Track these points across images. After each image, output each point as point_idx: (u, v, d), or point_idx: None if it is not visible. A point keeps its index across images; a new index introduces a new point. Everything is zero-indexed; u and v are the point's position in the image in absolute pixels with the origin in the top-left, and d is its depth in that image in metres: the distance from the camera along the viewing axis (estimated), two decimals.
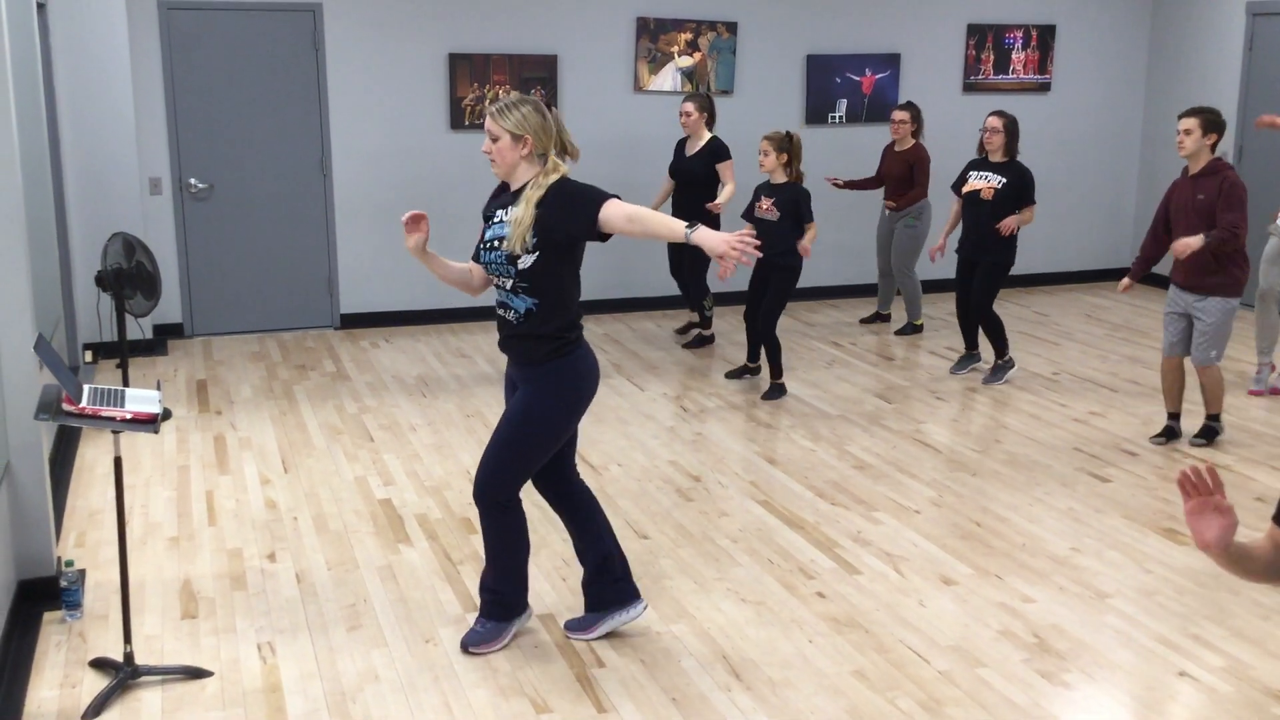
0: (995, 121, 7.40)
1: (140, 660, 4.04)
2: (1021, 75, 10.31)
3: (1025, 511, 5.50)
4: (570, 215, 3.89)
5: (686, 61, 9.42)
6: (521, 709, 3.83)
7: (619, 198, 3.90)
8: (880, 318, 9.22)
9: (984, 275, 7.47)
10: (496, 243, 3.99)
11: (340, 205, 8.89)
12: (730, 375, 7.68)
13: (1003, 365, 7.61)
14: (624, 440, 6.46)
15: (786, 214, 7.05)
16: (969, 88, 10.17)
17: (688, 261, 8.32)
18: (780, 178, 7.13)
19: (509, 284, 4.00)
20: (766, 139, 7.14)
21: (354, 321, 9.07)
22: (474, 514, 5.41)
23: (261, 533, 5.23)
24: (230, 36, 8.49)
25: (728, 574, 4.83)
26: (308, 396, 7.28)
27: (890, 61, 9.90)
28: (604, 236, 3.92)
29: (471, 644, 4.20)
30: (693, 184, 8.14)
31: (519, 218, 3.90)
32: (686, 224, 3.78)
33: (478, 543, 5.10)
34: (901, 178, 8.64)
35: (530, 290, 3.96)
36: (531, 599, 4.55)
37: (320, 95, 8.72)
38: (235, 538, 5.17)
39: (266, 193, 8.76)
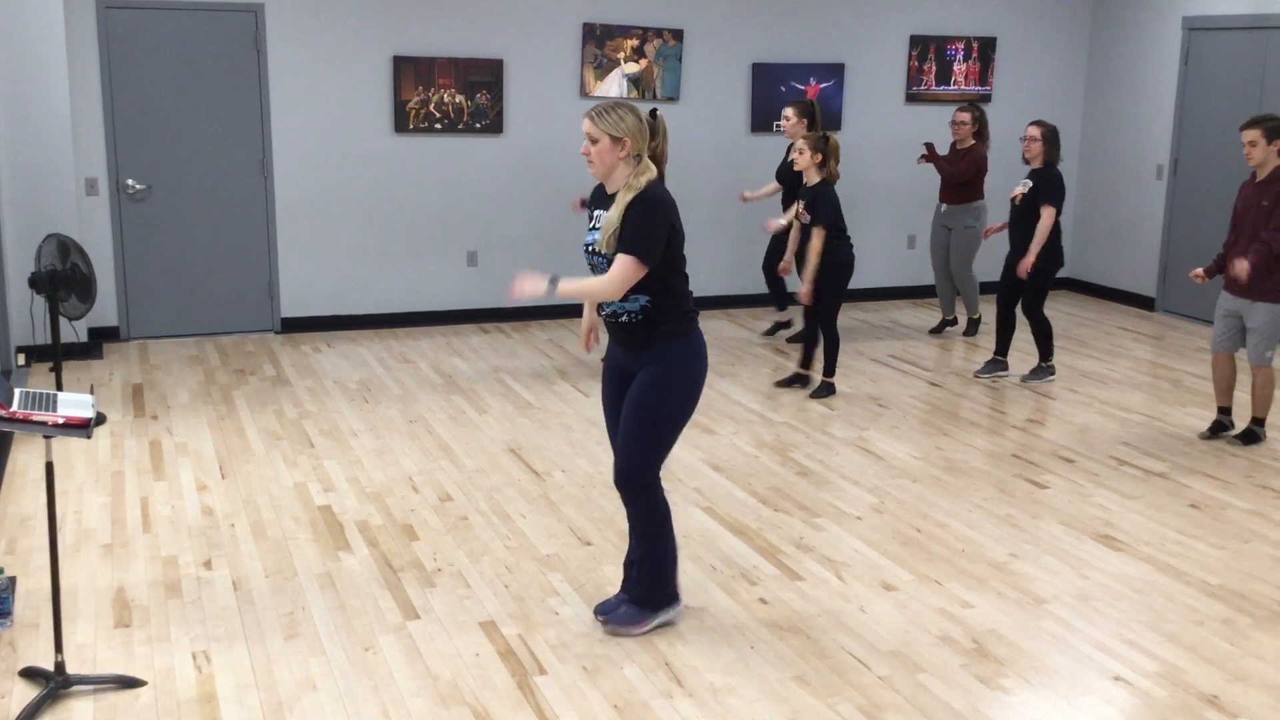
0: (1034, 130, 7.67)
1: (72, 670, 3.97)
2: (963, 86, 10.43)
3: (964, 518, 5.56)
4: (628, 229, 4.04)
5: (633, 68, 9.42)
6: (462, 717, 3.80)
7: (639, 260, 3.99)
8: (947, 324, 9.35)
9: (1031, 279, 7.72)
10: (594, 246, 4.15)
11: (281, 208, 8.80)
12: (780, 384, 7.70)
13: (1045, 368, 7.96)
14: (568, 447, 6.44)
15: (815, 215, 7.15)
16: (911, 98, 10.27)
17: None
18: (813, 177, 7.19)
19: None
20: (804, 137, 7.22)
21: (295, 325, 8.98)
22: (416, 521, 5.37)
23: (198, 540, 5.15)
24: (170, 36, 8.37)
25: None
26: (247, 401, 7.19)
27: (834, 71, 9.97)
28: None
29: (618, 624, 4.32)
30: (792, 188, 8.20)
31: (610, 220, 4.06)
32: (548, 280, 4.05)
33: (419, 549, 5.06)
34: (961, 178, 8.81)
35: (636, 288, 4.07)
36: (471, 605, 4.54)
37: (262, 97, 8.62)
38: (170, 545, 5.09)
39: (206, 194, 8.64)
